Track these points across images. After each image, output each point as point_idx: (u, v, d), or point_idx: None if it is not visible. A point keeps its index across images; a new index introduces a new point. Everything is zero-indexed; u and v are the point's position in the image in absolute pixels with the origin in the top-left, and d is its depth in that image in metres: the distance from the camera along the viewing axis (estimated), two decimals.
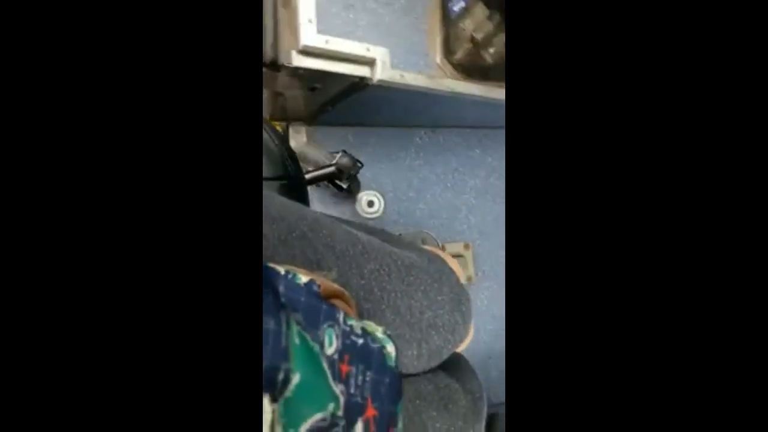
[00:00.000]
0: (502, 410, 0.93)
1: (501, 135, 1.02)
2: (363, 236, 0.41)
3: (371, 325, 0.31)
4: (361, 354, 0.27)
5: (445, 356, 0.44)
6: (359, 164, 0.84)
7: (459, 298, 0.45)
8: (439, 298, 0.42)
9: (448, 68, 0.73)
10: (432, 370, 0.44)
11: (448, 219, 0.98)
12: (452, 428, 0.40)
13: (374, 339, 0.29)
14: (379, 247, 0.41)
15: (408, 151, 0.95)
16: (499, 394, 0.98)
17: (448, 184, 0.98)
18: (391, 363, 0.29)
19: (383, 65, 0.68)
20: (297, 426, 0.22)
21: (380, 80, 0.68)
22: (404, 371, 0.40)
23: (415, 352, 0.40)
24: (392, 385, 0.29)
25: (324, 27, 0.60)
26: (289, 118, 0.79)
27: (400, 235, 0.96)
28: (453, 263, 0.51)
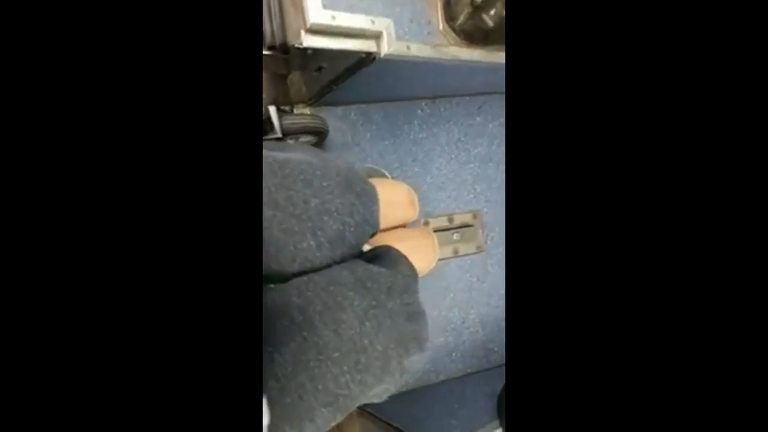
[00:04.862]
0: None
1: (499, 100, 1.02)
2: None
3: None
4: None
5: (352, 241, 0.42)
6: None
7: (349, 179, 0.43)
8: (325, 183, 0.41)
9: (451, 35, 0.73)
10: (349, 261, 0.42)
11: (456, 190, 0.98)
12: (373, 302, 0.38)
13: None
14: None
15: (411, 124, 0.94)
16: None
17: (452, 155, 0.98)
18: None
19: (389, 38, 0.67)
20: None
21: (387, 54, 0.67)
22: (310, 266, 0.39)
23: (312, 243, 0.38)
24: None
25: (328, 1, 0.58)
26: (292, 102, 0.77)
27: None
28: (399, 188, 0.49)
